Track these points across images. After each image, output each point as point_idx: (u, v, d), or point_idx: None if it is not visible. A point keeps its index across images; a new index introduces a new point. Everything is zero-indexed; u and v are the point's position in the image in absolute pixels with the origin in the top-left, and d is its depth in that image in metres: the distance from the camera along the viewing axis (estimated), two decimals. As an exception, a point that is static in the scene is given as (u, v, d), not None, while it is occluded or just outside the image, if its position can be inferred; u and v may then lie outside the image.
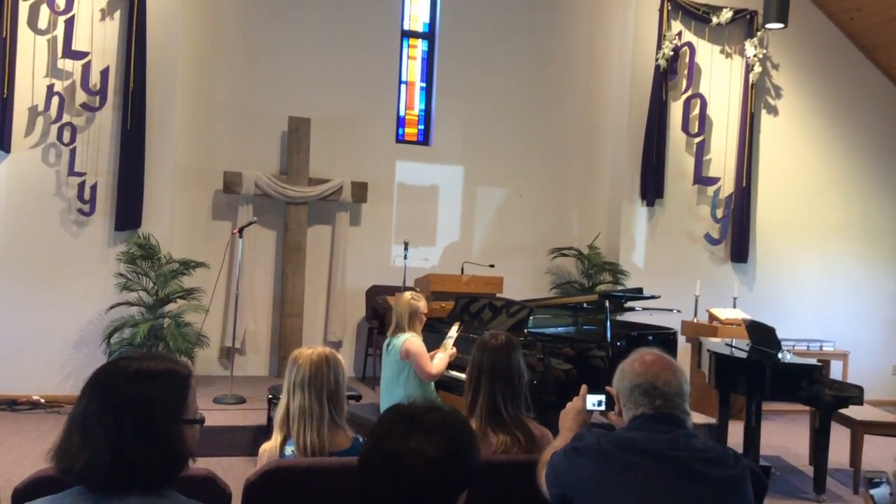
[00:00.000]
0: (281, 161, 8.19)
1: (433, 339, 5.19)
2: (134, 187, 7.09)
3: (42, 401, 6.73)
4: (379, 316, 7.98)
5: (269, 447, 2.82)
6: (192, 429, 1.73)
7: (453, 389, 5.26)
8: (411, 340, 4.79)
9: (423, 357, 4.78)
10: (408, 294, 4.95)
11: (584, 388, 2.59)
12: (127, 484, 1.60)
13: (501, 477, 2.62)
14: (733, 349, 5.92)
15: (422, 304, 4.93)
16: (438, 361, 4.84)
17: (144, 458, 1.61)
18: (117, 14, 7.10)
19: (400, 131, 8.88)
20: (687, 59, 8.54)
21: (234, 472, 4.83)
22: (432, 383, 4.97)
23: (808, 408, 5.98)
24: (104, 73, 7.06)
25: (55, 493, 1.64)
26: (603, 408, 2.53)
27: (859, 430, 5.66)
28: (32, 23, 6.91)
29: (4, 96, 6.69)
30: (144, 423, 1.62)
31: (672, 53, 8.37)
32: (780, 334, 5.69)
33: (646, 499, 2.06)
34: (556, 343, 5.52)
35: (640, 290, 6.24)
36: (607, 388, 2.48)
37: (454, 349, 4.95)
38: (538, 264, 8.95)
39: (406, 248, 7.73)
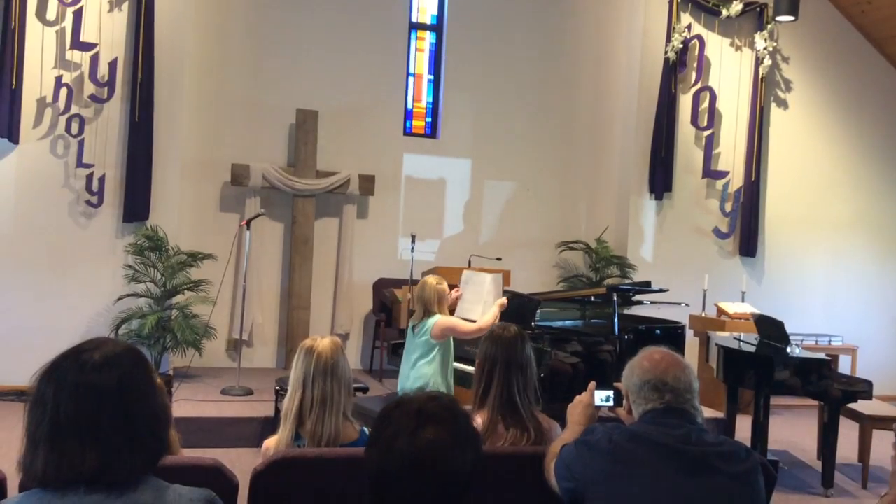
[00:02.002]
0: (288, 153, 8.19)
1: None
2: (142, 179, 7.10)
3: (50, 392, 6.74)
4: (386, 309, 7.98)
5: (275, 442, 2.80)
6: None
7: (462, 382, 5.26)
8: (441, 319, 4.76)
9: (458, 325, 4.77)
10: (432, 278, 4.92)
11: (592, 384, 2.57)
12: (139, 470, 1.59)
13: (509, 469, 2.62)
14: (741, 343, 5.91)
15: (446, 287, 4.94)
16: (489, 314, 4.84)
17: (151, 430, 1.61)
18: (125, 5, 7.10)
19: (407, 124, 8.86)
20: (696, 52, 8.50)
21: (241, 463, 4.83)
22: (452, 366, 4.96)
23: (816, 402, 5.96)
24: (112, 65, 7.06)
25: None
26: (611, 403, 2.51)
27: (868, 424, 5.65)
28: (41, 14, 6.91)
29: (13, 88, 6.69)
30: (137, 405, 1.60)
31: (681, 46, 8.33)
32: (788, 329, 5.67)
33: (658, 493, 2.05)
34: (564, 336, 5.51)
35: (648, 284, 6.23)
36: (615, 383, 2.47)
37: (504, 299, 4.98)
38: (546, 258, 8.94)
39: (413, 241, 7.71)
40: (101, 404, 1.57)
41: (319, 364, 2.76)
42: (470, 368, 4.73)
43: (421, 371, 4.78)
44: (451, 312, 5.04)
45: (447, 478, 1.56)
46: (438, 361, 4.78)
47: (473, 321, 4.88)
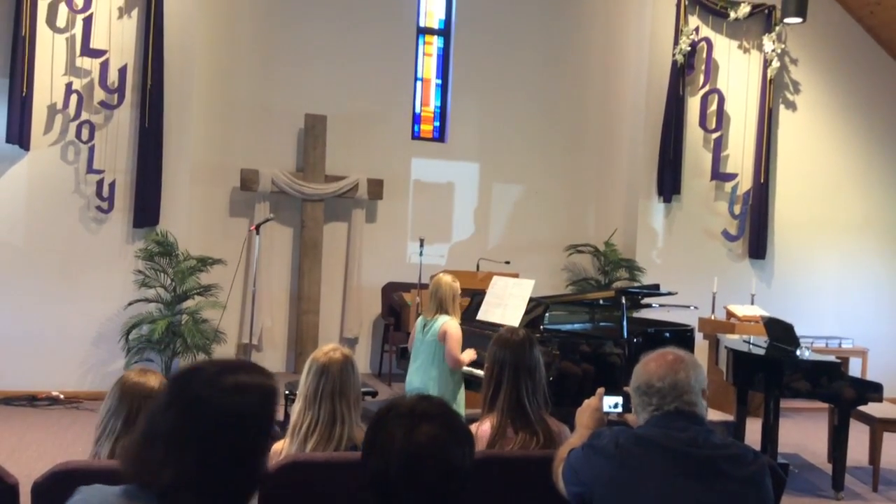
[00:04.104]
0: (297, 158, 8.22)
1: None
2: (152, 184, 7.13)
3: (61, 396, 6.79)
4: (395, 312, 7.99)
5: (282, 446, 2.80)
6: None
7: (471, 386, 5.26)
8: (450, 323, 4.79)
9: (457, 343, 4.78)
10: (447, 277, 4.92)
11: (600, 390, 2.57)
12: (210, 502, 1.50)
13: (518, 473, 2.62)
14: (751, 346, 5.90)
15: (458, 286, 4.96)
16: (466, 354, 4.88)
17: (232, 478, 1.51)
18: (135, 12, 7.14)
19: (416, 128, 8.88)
20: (704, 55, 8.49)
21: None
22: (460, 371, 4.96)
23: (826, 405, 5.94)
24: (122, 71, 7.10)
25: (88, 486, 1.54)
26: (619, 410, 2.49)
27: (878, 427, 5.62)
28: (51, 21, 6.96)
29: (24, 94, 6.73)
30: (237, 442, 1.51)
31: (689, 49, 8.32)
32: (798, 331, 5.65)
33: (666, 497, 2.04)
34: (573, 340, 5.51)
35: (656, 287, 6.22)
36: (625, 388, 2.46)
37: (473, 354, 4.95)
38: (554, 261, 8.93)
39: (422, 245, 7.71)
40: (197, 425, 1.49)
41: (328, 386, 2.73)
42: (479, 372, 4.74)
43: (430, 373, 4.79)
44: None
45: (447, 473, 1.59)
46: (446, 363, 4.80)
47: (492, 323, 5.09)
